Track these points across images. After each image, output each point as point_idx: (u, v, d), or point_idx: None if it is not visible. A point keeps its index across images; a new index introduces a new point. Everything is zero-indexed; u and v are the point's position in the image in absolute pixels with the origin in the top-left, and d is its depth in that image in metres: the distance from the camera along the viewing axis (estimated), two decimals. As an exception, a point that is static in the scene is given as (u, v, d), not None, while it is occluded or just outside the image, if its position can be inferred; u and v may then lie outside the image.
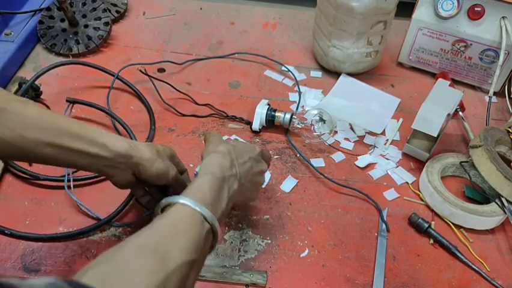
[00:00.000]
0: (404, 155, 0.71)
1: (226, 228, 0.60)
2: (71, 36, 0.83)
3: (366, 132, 0.73)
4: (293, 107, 0.77)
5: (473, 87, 0.84)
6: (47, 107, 0.73)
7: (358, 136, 0.73)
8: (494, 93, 0.81)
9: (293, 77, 0.81)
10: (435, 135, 0.64)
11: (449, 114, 0.66)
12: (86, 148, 0.45)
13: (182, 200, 0.40)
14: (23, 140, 0.43)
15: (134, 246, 0.34)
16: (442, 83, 0.71)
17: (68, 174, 0.61)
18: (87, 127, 0.47)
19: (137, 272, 0.32)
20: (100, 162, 0.47)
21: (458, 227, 0.61)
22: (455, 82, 0.83)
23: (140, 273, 0.32)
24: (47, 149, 0.44)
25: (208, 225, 0.40)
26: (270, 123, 0.71)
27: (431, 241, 0.60)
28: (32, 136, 0.43)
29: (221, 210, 0.43)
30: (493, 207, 0.61)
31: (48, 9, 0.85)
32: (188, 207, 0.39)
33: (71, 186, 0.60)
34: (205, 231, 0.39)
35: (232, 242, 0.58)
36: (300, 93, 0.78)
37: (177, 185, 0.53)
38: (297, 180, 0.66)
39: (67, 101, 0.66)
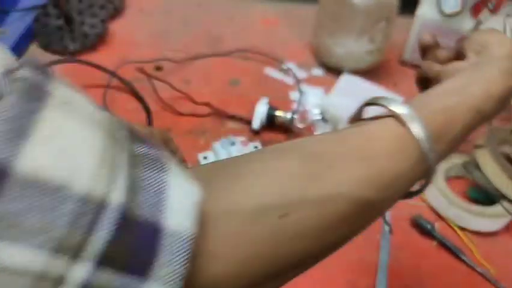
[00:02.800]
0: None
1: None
2: (67, 33, 0.82)
3: (368, 132, 0.72)
4: (294, 105, 0.76)
5: (476, 85, 0.83)
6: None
7: (360, 135, 0.72)
8: (498, 92, 0.80)
9: (294, 75, 0.80)
10: None
11: None
12: None
13: (396, 107, 0.27)
14: None
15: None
16: None
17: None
18: None
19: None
20: None
21: (463, 228, 0.60)
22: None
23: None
24: None
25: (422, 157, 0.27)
26: (270, 122, 0.70)
27: (435, 243, 0.59)
28: None
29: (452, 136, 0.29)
30: (498, 208, 0.60)
31: (43, 6, 0.83)
32: (402, 123, 0.27)
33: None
34: (412, 162, 0.27)
35: (231, 245, 0.57)
36: (301, 91, 0.77)
37: None
38: (298, 181, 0.65)
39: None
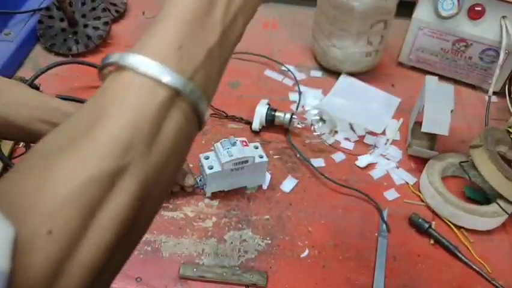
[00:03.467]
0: (405, 154, 0.71)
1: (226, 228, 0.59)
2: (70, 35, 0.83)
3: (366, 132, 0.73)
4: (293, 106, 0.77)
5: (473, 86, 0.84)
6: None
7: (358, 136, 0.73)
8: (495, 93, 0.80)
9: (293, 77, 0.81)
10: (447, 134, 0.64)
11: (452, 111, 0.66)
12: None
13: (118, 58, 0.24)
14: (18, 116, 0.44)
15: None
16: (431, 80, 0.71)
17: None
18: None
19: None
20: None
21: (459, 227, 0.61)
22: (455, 82, 0.83)
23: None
24: (38, 124, 0.45)
25: (169, 92, 0.24)
26: (270, 123, 0.71)
27: (432, 241, 0.60)
28: (26, 112, 0.44)
29: (205, 51, 0.26)
30: (494, 207, 0.60)
31: (47, 9, 0.85)
32: (127, 70, 0.24)
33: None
34: (157, 105, 0.23)
35: (232, 243, 0.58)
36: (300, 93, 0.78)
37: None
38: (297, 180, 0.66)
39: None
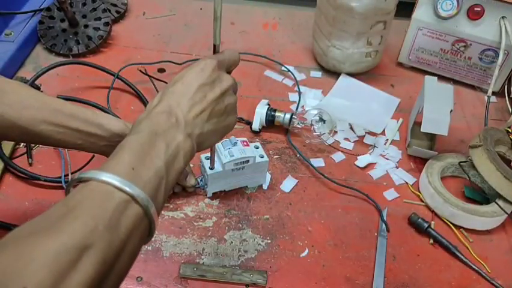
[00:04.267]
0: (404, 154, 0.71)
1: (226, 228, 0.60)
2: (71, 36, 0.83)
3: (366, 132, 0.74)
4: (293, 107, 0.77)
5: (472, 87, 0.84)
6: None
7: (358, 136, 0.73)
8: (494, 93, 0.81)
9: (293, 77, 0.81)
10: (446, 134, 0.64)
11: (451, 111, 0.66)
12: (80, 126, 0.47)
13: (84, 174, 0.31)
14: (21, 118, 0.44)
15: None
16: (430, 80, 0.71)
17: (67, 175, 0.61)
18: (83, 109, 0.48)
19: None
20: (98, 142, 0.48)
21: (458, 227, 0.61)
22: (455, 82, 0.84)
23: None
24: (42, 125, 0.45)
25: (124, 196, 0.31)
26: (270, 123, 0.71)
27: (431, 241, 0.60)
28: (29, 113, 0.44)
29: (152, 172, 0.33)
30: (493, 207, 0.61)
31: (48, 9, 0.85)
32: (93, 180, 0.31)
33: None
34: (115, 204, 0.30)
35: (232, 242, 0.58)
36: (300, 93, 0.78)
37: None
38: (297, 180, 0.66)
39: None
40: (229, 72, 0.43)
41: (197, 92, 0.39)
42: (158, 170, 0.34)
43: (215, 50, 0.42)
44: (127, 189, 0.31)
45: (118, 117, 0.71)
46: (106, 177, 0.31)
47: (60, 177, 0.61)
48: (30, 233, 0.27)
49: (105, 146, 0.49)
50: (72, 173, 0.62)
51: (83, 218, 0.28)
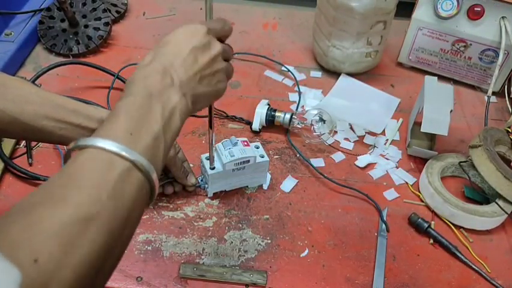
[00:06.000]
0: (404, 154, 0.71)
1: (226, 228, 0.60)
2: (71, 36, 0.83)
3: (366, 132, 0.74)
4: (293, 107, 0.77)
5: (472, 87, 0.84)
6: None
7: (358, 136, 0.73)
8: (494, 93, 0.81)
9: (293, 77, 0.81)
10: (446, 134, 0.64)
11: (451, 111, 0.66)
12: (83, 122, 0.47)
13: (81, 142, 0.31)
14: (23, 113, 0.44)
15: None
16: (430, 80, 0.71)
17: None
18: (85, 105, 0.48)
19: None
20: None
21: (458, 227, 0.61)
22: (455, 82, 0.84)
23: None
24: (44, 121, 0.45)
25: (126, 163, 0.30)
26: (270, 123, 0.71)
27: (431, 241, 0.60)
28: (31, 109, 0.44)
29: (151, 136, 0.33)
30: (493, 207, 0.61)
31: (48, 9, 0.85)
32: (91, 148, 0.30)
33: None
34: (117, 173, 0.30)
35: (232, 242, 0.58)
36: (300, 93, 0.78)
37: (175, 166, 0.53)
38: (297, 180, 0.66)
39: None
40: (221, 41, 0.44)
41: (189, 54, 0.39)
42: (156, 133, 0.34)
43: None
44: (128, 155, 0.30)
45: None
46: (105, 144, 0.30)
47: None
48: (36, 203, 0.27)
49: None
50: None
51: (87, 189, 0.28)
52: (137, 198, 0.31)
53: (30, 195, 0.29)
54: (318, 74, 0.84)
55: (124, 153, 0.30)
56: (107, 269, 0.29)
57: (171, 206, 0.61)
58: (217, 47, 0.42)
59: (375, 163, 0.69)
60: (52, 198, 0.28)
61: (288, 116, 0.70)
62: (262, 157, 0.60)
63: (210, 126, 0.52)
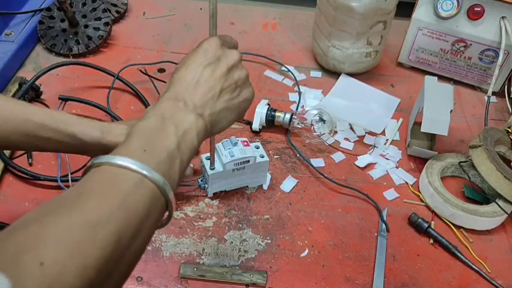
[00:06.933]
0: (404, 154, 0.71)
1: (226, 228, 0.60)
2: (71, 36, 0.83)
3: (366, 132, 0.74)
4: (293, 107, 0.77)
5: (472, 87, 0.84)
6: (47, 107, 0.73)
7: (358, 136, 0.73)
8: (494, 93, 0.81)
9: (293, 77, 0.81)
10: (446, 134, 0.64)
11: (451, 111, 0.66)
12: (53, 137, 0.46)
13: (96, 160, 0.31)
14: None
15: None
16: (430, 80, 0.71)
17: (67, 175, 0.61)
18: (57, 117, 0.47)
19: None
20: (71, 149, 0.48)
21: (458, 227, 0.61)
22: (455, 82, 0.84)
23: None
24: (12, 136, 0.44)
25: (138, 176, 0.31)
26: (270, 123, 0.71)
27: (431, 241, 0.60)
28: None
29: (165, 153, 0.33)
30: (493, 207, 0.61)
31: (48, 9, 0.85)
32: (105, 165, 0.31)
33: (71, 186, 0.60)
34: (129, 184, 0.30)
35: (232, 242, 0.58)
36: (300, 93, 0.78)
37: None
38: (297, 180, 0.66)
39: (59, 98, 0.67)
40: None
41: (202, 73, 0.38)
42: (170, 150, 0.34)
43: None
44: (140, 169, 0.31)
45: (119, 118, 0.71)
46: (118, 160, 0.31)
47: (61, 176, 0.61)
48: (46, 212, 0.28)
49: (80, 152, 0.48)
50: (72, 173, 0.62)
51: (96, 198, 0.29)
52: (150, 209, 0.31)
53: (42, 205, 0.29)
54: (318, 74, 0.84)
55: (135, 167, 0.31)
56: (117, 277, 0.29)
57: (171, 206, 0.61)
58: (233, 54, 0.41)
59: (375, 163, 0.69)
60: (62, 207, 0.28)
61: (288, 116, 0.70)
62: (262, 157, 0.60)
63: None
